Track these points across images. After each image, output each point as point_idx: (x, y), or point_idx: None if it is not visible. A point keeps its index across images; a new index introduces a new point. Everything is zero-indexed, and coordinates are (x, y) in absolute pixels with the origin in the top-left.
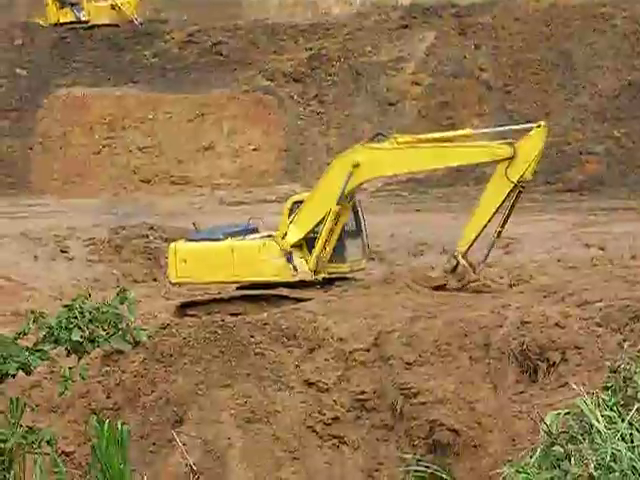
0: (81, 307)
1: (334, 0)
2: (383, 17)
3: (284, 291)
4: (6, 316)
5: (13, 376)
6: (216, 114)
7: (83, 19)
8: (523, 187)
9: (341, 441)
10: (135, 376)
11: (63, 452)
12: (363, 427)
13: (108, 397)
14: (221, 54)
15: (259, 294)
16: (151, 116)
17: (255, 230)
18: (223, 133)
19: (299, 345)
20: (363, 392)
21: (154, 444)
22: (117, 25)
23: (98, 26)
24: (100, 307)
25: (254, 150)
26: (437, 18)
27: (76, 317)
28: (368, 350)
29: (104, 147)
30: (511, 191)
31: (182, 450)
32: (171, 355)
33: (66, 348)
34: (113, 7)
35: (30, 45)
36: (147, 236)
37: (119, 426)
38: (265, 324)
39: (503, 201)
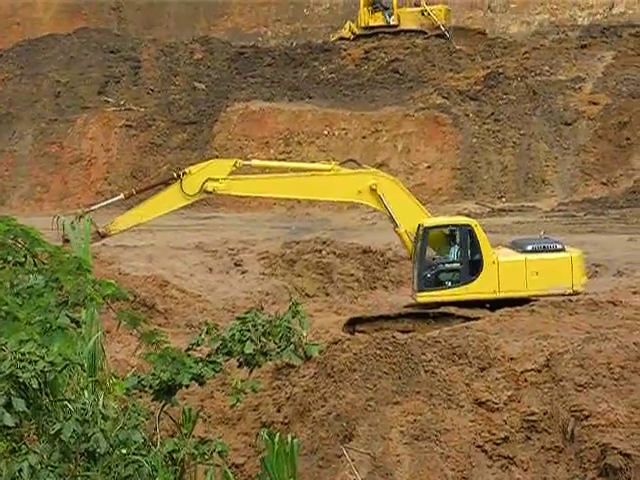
0: (254, 320)
1: (512, 19)
2: (561, 36)
3: (452, 309)
4: (180, 327)
5: (187, 387)
6: (391, 131)
7: (392, 23)
8: None
9: (510, 461)
10: (305, 390)
11: (234, 464)
12: (533, 448)
13: (278, 411)
14: (397, 72)
15: (426, 312)
16: (326, 132)
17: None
18: (397, 150)
19: (470, 364)
20: (533, 413)
21: (323, 459)
22: (424, 32)
23: (405, 31)
24: (273, 320)
25: (428, 168)
26: (616, 38)
27: (249, 330)
28: (539, 371)
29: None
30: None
31: (351, 466)
32: (342, 370)
33: (238, 360)
34: (423, 13)
35: (209, 59)
36: (320, 251)
37: (289, 440)
38: (436, 342)
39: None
